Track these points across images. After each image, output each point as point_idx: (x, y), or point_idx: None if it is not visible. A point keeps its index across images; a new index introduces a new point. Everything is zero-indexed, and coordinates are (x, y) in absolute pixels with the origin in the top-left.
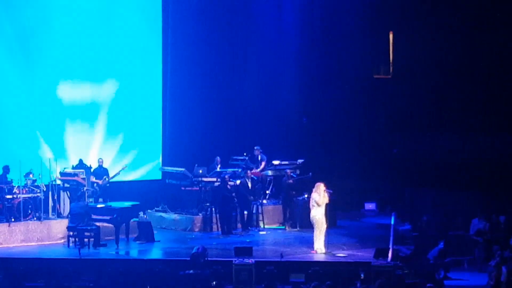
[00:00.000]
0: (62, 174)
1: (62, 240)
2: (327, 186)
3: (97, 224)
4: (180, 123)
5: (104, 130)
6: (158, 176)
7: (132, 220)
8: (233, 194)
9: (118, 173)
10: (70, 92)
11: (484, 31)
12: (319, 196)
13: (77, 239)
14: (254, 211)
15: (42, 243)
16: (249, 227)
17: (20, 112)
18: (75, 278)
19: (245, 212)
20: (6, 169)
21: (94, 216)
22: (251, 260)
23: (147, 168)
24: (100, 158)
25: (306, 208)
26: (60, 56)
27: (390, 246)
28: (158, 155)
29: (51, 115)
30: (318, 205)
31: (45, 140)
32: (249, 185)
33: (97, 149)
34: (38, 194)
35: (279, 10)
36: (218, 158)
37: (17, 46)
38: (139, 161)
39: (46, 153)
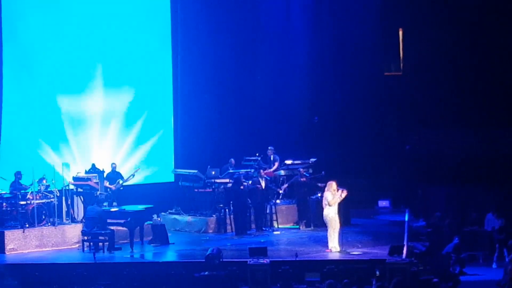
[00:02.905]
0: (75, 179)
1: (77, 245)
2: (339, 185)
3: (112, 228)
4: (192, 125)
5: (116, 134)
6: (171, 178)
7: (146, 223)
8: (247, 195)
9: (131, 176)
10: (79, 99)
11: (494, 26)
12: (332, 195)
13: (91, 243)
14: (267, 211)
15: (57, 248)
16: (263, 227)
17: (29, 119)
18: (90, 283)
19: (259, 213)
20: (18, 174)
21: (108, 220)
22: (266, 260)
23: (160, 170)
24: (113, 163)
25: (319, 207)
26: (66, 63)
27: (405, 243)
28: (171, 158)
29: (63, 122)
30: (330, 205)
31: (57, 147)
32: (263, 185)
33: (110, 154)
34: (51, 200)
35: (288, 9)
36: (232, 160)
37: (22, 51)
38: (152, 164)
39: (59, 159)
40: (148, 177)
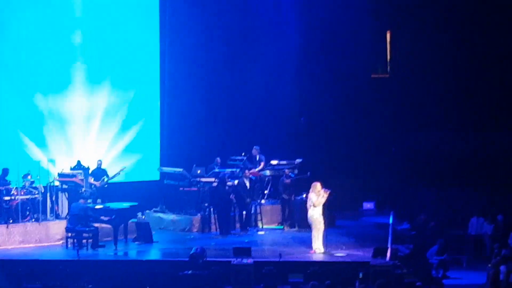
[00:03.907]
0: (60, 175)
1: (61, 242)
2: (324, 186)
3: (96, 225)
4: (178, 123)
5: (102, 131)
6: (156, 176)
7: (130, 221)
8: (231, 194)
9: (116, 174)
10: (65, 96)
11: (482, 29)
12: (316, 196)
13: (75, 240)
14: (252, 211)
15: (41, 244)
16: (248, 227)
17: (16, 115)
18: (73, 280)
19: (244, 212)
20: (5, 171)
21: (92, 217)
22: (249, 260)
23: (145, 168)
24: (99, 160)
25: (304, 208)
26: (53, 60)
27: (389, 245)
28: (156, 156)
29: (47, 118)
30: (314, 206)
31: (42, 144)
32: (247, 185)
33: (95, 151)
34: (36, 196)
35: (278, 10)
36: (218, 159)
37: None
38: (137, 162)
39: (44, 155)
40: (133, 174)
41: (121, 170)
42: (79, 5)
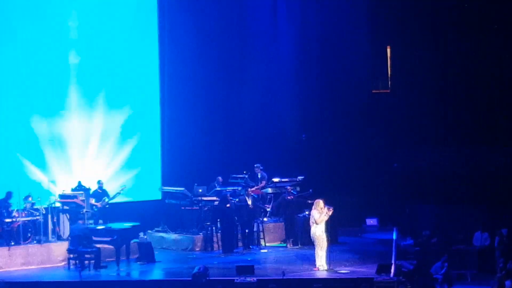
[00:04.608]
0: (61, 196)
1: (63, 263)
2: (327, 203)
3: (98, 245)
4: (179, 142)
5: (102, 151)
6: (158, 196)
7: (132, 241)
8: (234, 213)
9: (117, 194)
10: (63, 117)
11: (482, 44)
12: (318, 214)
13: (77, 261)
14: (255, 229)
15: (43, 266)
16: (250, 245)
17: (14, 137)
18: None
19: (246, 231)
20: (9, 194)
21: (94, 238)
22: (253, 279)
23: (147, 188)
24: (99, 180)
25: (307, 225)
26: (49, 81)
27: (393, 261)
28: (158, 175)
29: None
30: (317, 223)
31: (42, 165)
32: (250, 203)
33: (95, 171)
34: (37, 217)
35: (276, 25)
36: (220, 178)
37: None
38: (138, 181)
39: (45, 176)
40: (135, 194)
41: (122, 189)
42: (74, 25)
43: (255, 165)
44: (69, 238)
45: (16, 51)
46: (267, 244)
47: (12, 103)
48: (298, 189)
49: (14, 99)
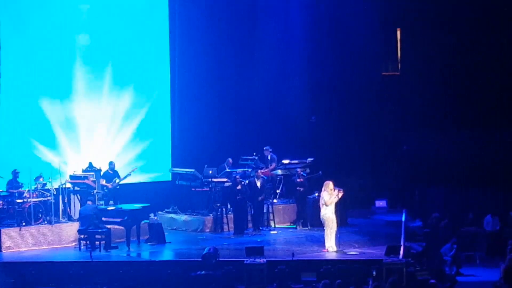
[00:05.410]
0: (72, 177)
1: (73, 244)
2: (336, 184)
3: (108, 226)
4: (189, 124)
5: (114, 133)
6: (168, 177)
7: (143, 222)
8: (244, 194)
9: (128, 175)
10: (73, 100)
11: (493, 27)
12: (328, 195)
13: (88, 242)
14: (264, 211)
15: (53, 246)
16: (260, 227)
17: (23, 120)
18: (87, 281)
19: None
20: (15, 173)
21: (104, 219)
22: (262, 260)
23: (157, 169)
24: (111, 161)
25: (316, 207)
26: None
27: (402, 243)
28: (168, 157)
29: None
30: (327, 205)
31: (53, 146)
32: (259, 185)
33: (107, 152)
34: (48, 198)
35: (286, 9)
36: (230, 160)
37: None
38: (149, 163)
39: (56, 156)
40: (145, 176)
41: (132, 170)
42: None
43: (264, 148)
44: (78, 219)
45: (26, 35)
46: (276, 226)
47: (22, 86)
48: (307, 171)
49: (24, 82)
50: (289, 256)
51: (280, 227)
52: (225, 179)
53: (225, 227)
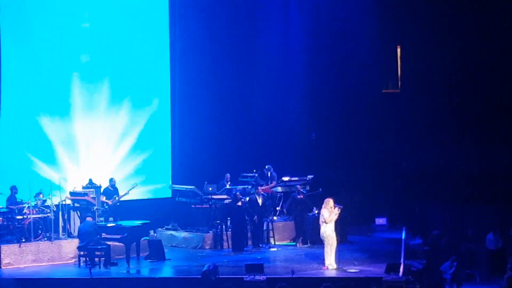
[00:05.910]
0: (72, 193)
1: (73, 260)
2: (336, 202)
3: (108, 243)
4: (189, 141)
5: (113, 149)
6: (168, 194)
7: (142, 239)
8: (244, 211)
9: (127, 192)
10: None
11: (492, 43)
12: (328, 213)
13: (87, 258)
14: (264, 228)
15: (53, 263)
16: (260, 244)
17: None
18: None
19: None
20: (14, 189)
21: (104, 235)
22: (262, 277)
23: (157, 186)
24: (111, 178)
25: (316, 224)
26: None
27: (402, 260)
28: (168, 173)
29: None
30: (327, 222)
31: (53, 162)
32: (260, 202)
33: (106, 169)
34: (48, 214)
35: (287, 25)
36: (228, 175)
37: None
38: (149, 180)
39: (56, 173)
40: (145, 192)
41: (132, 187)
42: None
43: (265, 167)
44: (78, 235)
45: (26, 52)
46: (276, 243)
47: (21, 102)
48: (308, 188)
49: (23, 99)
50: (289, 274)
51: (280, 244)
52: (225, 196)
53: (225, 244)
